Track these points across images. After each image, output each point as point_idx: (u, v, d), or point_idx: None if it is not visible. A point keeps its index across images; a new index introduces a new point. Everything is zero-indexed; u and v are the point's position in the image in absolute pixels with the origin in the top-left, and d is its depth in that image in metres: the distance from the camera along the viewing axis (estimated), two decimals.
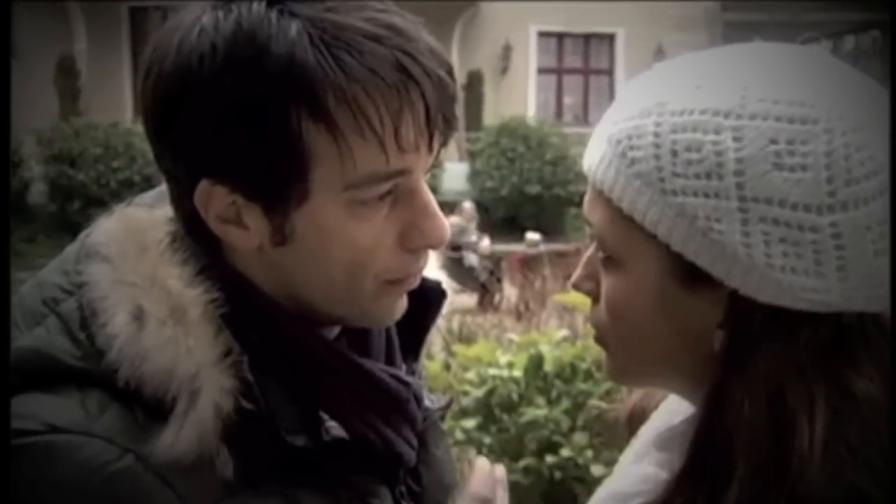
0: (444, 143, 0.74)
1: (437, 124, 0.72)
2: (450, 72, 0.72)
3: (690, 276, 0.70)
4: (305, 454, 0.73)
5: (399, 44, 0.69)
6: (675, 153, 0.68)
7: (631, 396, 0.96)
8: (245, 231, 0.73)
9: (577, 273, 0.81)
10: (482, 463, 0.85)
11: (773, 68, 0.69)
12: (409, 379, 0.82)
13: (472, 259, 9.32)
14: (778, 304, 0.67)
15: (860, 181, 0.65)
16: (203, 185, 0.71)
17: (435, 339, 4.92)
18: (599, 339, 0.81)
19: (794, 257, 0.66)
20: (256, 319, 0.74)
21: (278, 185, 0.70)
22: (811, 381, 0.67)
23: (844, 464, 0.66)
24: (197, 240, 0.75)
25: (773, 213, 0.66)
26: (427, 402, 0.87)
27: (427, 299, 0.85)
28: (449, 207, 12.02)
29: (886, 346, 0.69)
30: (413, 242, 0.75)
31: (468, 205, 10.64)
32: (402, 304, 0.80)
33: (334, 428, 0.76)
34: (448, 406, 0.93)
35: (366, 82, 0.68)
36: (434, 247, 0.77)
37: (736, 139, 0.66)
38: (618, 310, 0.76)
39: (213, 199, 0.72)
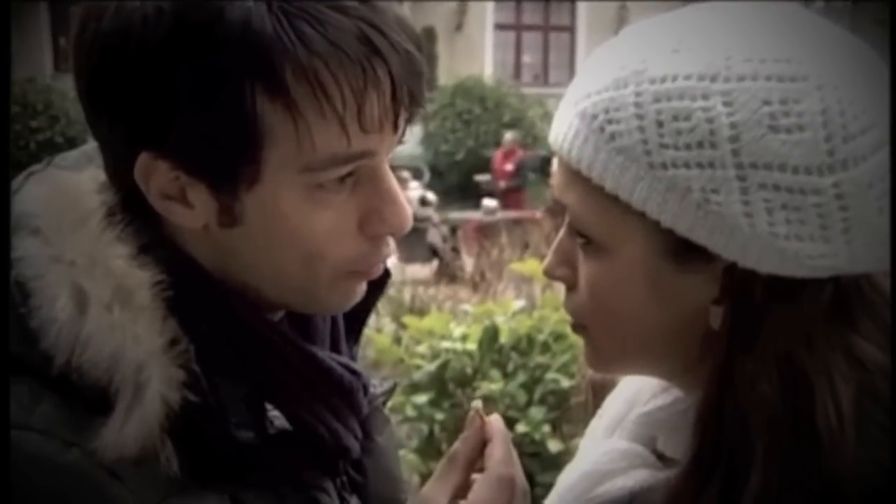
0: (410, 122, 0.72)
1: (404, 102, 0.70)
2: (418, 45, 0.71)
3: (683, 252, 0.70)
4: (251, 449, 0.72)
5: (365, 15, 0.67)
6: (660, 124, 0.67)
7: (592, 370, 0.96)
8: (190, 209, 0.71)
9: (549, 259, 0.80)
10: (500, 431, 0.80)
11: (752, 26, 0.69)
12: (359, 368, 0.82)
13: (434, 236, 9.30)
14: (780, 273, 0.67)
15: (857, 137, 0.65)
16: (143, 158, 0.69)
17: (384, 310, 4.92)
18: (579, 328, 0.80)
19: (798, 223, 0.66)
20: (203, 304, 0.72)
21: (227, 164, 0.68)
22: (821, 348, 0.67)
23: (874, 438, 0.66)
24: (137, 215, 0.72)
25: (774, 179, 0.65)
26: (370, 388, 0.86)
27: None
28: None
29: (884, 306, 0.70)
30: (374, 229, 0.73)
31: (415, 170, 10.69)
32: (360, 291, 0.78)
33: (278, 419, 0.76)
34: (391, 391, 0.92)
35: (328, 57, 0.66)
36: (396, 234, 0.75)
37: (727, 103, 0.66)
38: (604, 297, 0.75)
39: (155, 174, 0.69)
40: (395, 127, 0.71)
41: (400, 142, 0.74)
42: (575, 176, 0.73)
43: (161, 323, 0.68)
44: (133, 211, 0.72)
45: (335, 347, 0.83)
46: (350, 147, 0.69)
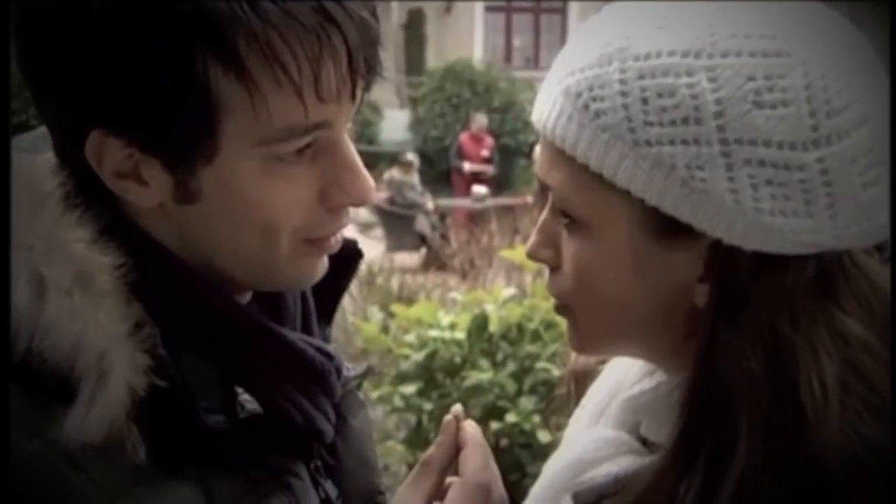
0: (367, 90, 0.73)
1: (361, 70, 0.70)
2: (373, 12, 0.71)
3: (668, 230, 0.70)
4: (221, 434, 0.71)
5: None
6: (645, 101, 0.68)
7: (577, 358, 0.97)
8: (145, 187, 0.70)
9: (533, 241, 0.80)
10: (474, 438, 0.80)
11: (736, 3, 0.69)
12: (331, 350, 0.81)
13: (422, 223, 9.28)
14: (765, 250, 0.68)
15: (840, 112, 0.66)
16: (94, 137, 0.68)
17: (371, 299, 4.92)
18: (562, 309, 0.80)
19: (783, 199, 0.67)
20: (167, 287, 0.71)
21: (182, 139, 0.68)
22: (805, 323, 0.68)
23: (858, 412, 0.67)
24: (95, 197, 0.71)
25: (759, 155, 0.66)
26: (343, 371, 0.86)
27: (341, 259, 0.82)
28: (389, 159, 11.98)
29: (867, 283, 0.71)
30: (334, 200, 0.73)
31: (411, 156, 10.57)
32: (322, 266, 0.78)
33: (248, 402, 0.75)
34: (366, 374, 0.92)
35: (282, 25, 0.65)
36: (357, 205, 0.75)
37: (711, 79, 0.66)
38: (588, 276, 0.75)
39: (107, 153, 0.69)
40: (353, 96, 0.71)
41: (357, 111, 0.74)
42: (559, 155, 0.73)
43: (124, 307, 0.67)
44: (91, 193, 0.71)
45: (307, 329, 0.83)
46: (307, 118, 0.69)
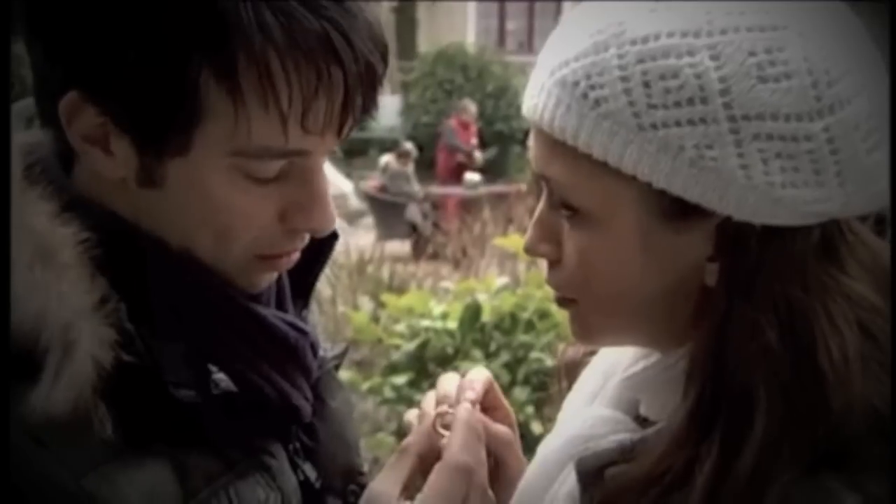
0: (354, 127, 0.73)
1: (354, 112, 0.71)
2: (384, 55, 0.72)
3: (676, 213, 0.72)
4: (193, 410, 0.72)
5: (334, 17, 0.68)
6: (647, 84, 0.69)
7: (566, 349, 0.98)
8: (110, 158, 0.71)
9: (530, 235, 0.81)
10: (463, 420, 0.81)
11: None
12: (305, 326, 0.82)
13: (414, 212, 9.26)
14: (775, 223, 0.70)
15: (839, 81, 0.69)
16: (72, 96, 0.69)
17: (361, 288, 4.92)
18: (564, 302, 0.81)
19: (793, 171, 0.69)
20: (134, 261, 0.72)
21: (158, 129, 0.69)
22: (816, 289, 0.70)
23: (877, 375, 0.69)
24: (55, 171, 0.73)
25: (767, 128, 0.68)
26: (321, 351, 0.87)
27: (318, 242, 0.83)
28: (379, 145, 11.94)
29: (864, 248, 0.74)
30: (295, 223, 0.75)
31: (409, 146, 10.51)
32: (270, 278, 0.79)
33: (223, 381, 0.76)
34: (343, 354, 0.93)
35: (285, 52, 0.66)
36: (315, 235, 0.77)
37: (713, 57, 0.68)
38: (595, 267, 0.76)
39: (80, 114, 0.70)
40: (339, 132, 0.72)
41: (340, 143, 0.75)
42: (558, 146, 0.74)
43: (88, 281, 0.68)
44: (53, 170, 0.72)
45: (281, 307, 0.84)
46: (287, 144, 0.70)
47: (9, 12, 0.71)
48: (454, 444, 0.79)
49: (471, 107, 11.84)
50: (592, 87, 0.71)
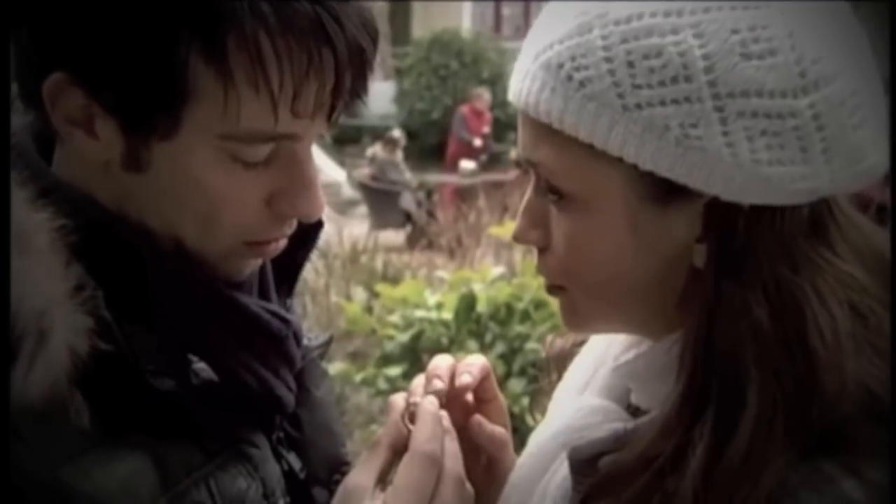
0: (344, 110, 0.74)
1: (343, 95, 0.71)
2: (374, 39, 0.72)
3: (663, 195, 0.72)
4: (173, 400, 0.72)
5: (326, 1, 0.68)
6: (631, 64, 0.69)
7: (554, 340, 0.99)
8: (94, 141, 0.71)
9: (519, 223, 0.81)
10: (427, 409, 0.81)
11: None
12: (289, 315, 0.82)
13: (408, 200, 9.24)
14: (763, 202, 0.70)
15: (824, 57, 0.69)
16: (56, 78, 0.69)
17: (354, 279, 4.92)
18: (554, 289, 0.81)
19: (779, 148, 0.69)
20: (111, 248, 0.72)
21: (145, 111, 0.69)
22: (805, 268, 0.71)
23: (868, 355, 0.70)
24: (32, 157, 0.72)
25: (752, 106, 0.68)
26: (305, 340, 0.86)
27: (302, 229, 0.82)
28: (372, 132, 11.92)
29: (854, 230, 0.74)
30: (281, 209, 0.75)
31: (397, 133, 10.51)
32: (254, 265, 0.79)
33: (204, 370, 0.76)
34: (328, 343, 0.93)
35: (276, 35, 0.67)
36: (302, 220, 0.77)
37: (697, 35, 0.68)
38: (583, 252, 0.76)
39: (64, 97, 0.70)
40: (329, 116, 0.73)
41: (330, 128, 0.75)
42: (544, 131, 0.74)
43: (63, 268, 0.67)
44: (40, 142, 0.72)
45: (264, 297, 0.83)
46: (276, 128, 0.70)
47: (9, 12, 0.71)
48: (420, 435, 0.79)
49: (485, 95, 11.86)
50: (577, 69, 0.71)
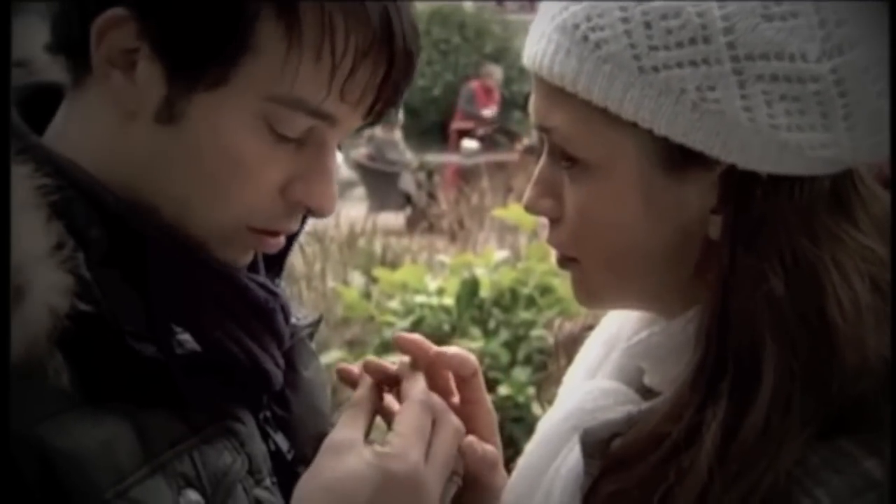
0: (376, 118, 0.77)
1: (387, 93, 0.75)
2: (419, 51, 0.77)
3: (678, 161, 0.73)
4: (155, 369, 0.72)
5: (391, 4, 0.73)
6: (648, 24, 0.70)
7: (563, 324, 0.99)
8: (131, 85, 0.72)
9: (530, 192, 0.81)
10: (416, 390, 0.82)
11: None
12: (277, 289, 0.83)
13: (408, 181, 9.24)
14: (781, 171, 0.71)
15: (848, 21, 0.69)
16: (113, 12, 0.70)
17: (352, 263, 4.92)
18: (566, 261, 0.82)
19: (798, 114, 0.69)
20: (93, 210, 0.73)
21: (199, 58, 0.70)
22: (825, 241, 0.71)
23: (884, 326, 0.70)
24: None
25: (772, 69, 0.68)
26: (293, 319, 0.87)
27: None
28: None
29: (878, 204, 0.75)
30: (295, 195, 0.76)
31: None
32: (248, 257, 0.80)
33: (188, 342, 0.76)
34: (317, 322, 0.94)
35: (349, 9, 0.70)
36: (313, 212, 0.78)
37: None
38: (596, 221, 0.77)
39: (114, 34, 0.70)
40: (367, 112, 0.76)
41: (363, 125, 0.78)
42: (558, 94, 0.75)
43: (43, 223, 0.68)
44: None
45: (252, 271, 0.84)
46: (323, 103, 0.72)
47: (9, 13, 0.71)
48: (413, 387, 0.81)
49: (496, 72, 11.86)
50: (593, 30, 0.72)
